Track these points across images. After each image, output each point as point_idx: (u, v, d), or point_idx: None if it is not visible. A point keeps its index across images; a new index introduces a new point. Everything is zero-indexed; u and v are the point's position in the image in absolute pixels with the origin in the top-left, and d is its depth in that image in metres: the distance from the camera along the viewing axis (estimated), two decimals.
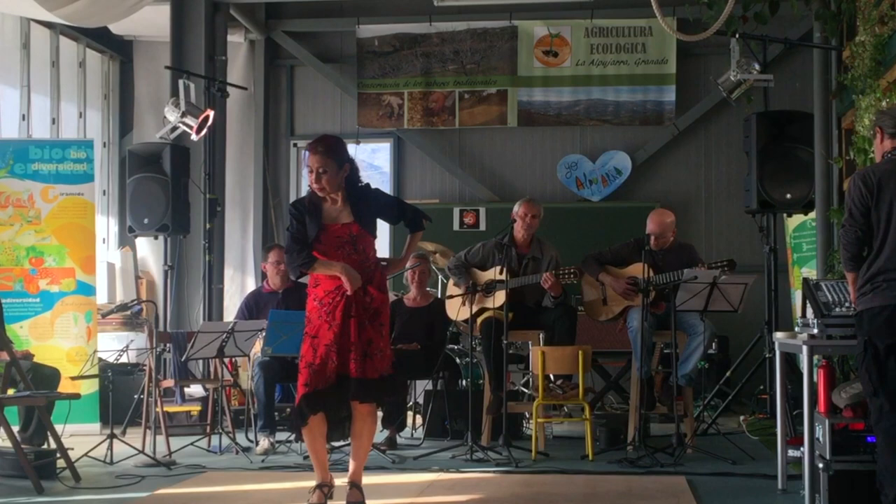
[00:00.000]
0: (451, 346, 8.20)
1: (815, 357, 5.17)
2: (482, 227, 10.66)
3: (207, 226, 9.01)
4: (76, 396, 6.66)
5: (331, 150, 4.92)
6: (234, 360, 8.02)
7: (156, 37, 10.50)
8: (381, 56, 11.07)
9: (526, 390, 8.43)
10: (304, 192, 8.00)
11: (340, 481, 5.10)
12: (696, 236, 10.34)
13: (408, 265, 7.90)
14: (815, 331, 4.88)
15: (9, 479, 5.99)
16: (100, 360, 8.13)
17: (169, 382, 7.76)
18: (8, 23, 9.13)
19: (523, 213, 7.24)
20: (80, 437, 7.36)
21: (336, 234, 4.93)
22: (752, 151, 7.73)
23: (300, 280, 5.33)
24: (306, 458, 6.11)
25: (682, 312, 6.69)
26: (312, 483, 5.03)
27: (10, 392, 6.35)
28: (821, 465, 4.75)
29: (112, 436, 6.63)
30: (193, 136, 8.67)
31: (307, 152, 4.96)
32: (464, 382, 7.90)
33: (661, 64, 10.72)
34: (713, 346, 8.55)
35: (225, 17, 10.16)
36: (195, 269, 9.32)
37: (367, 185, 5.10)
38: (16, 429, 6.24)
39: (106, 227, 10.70)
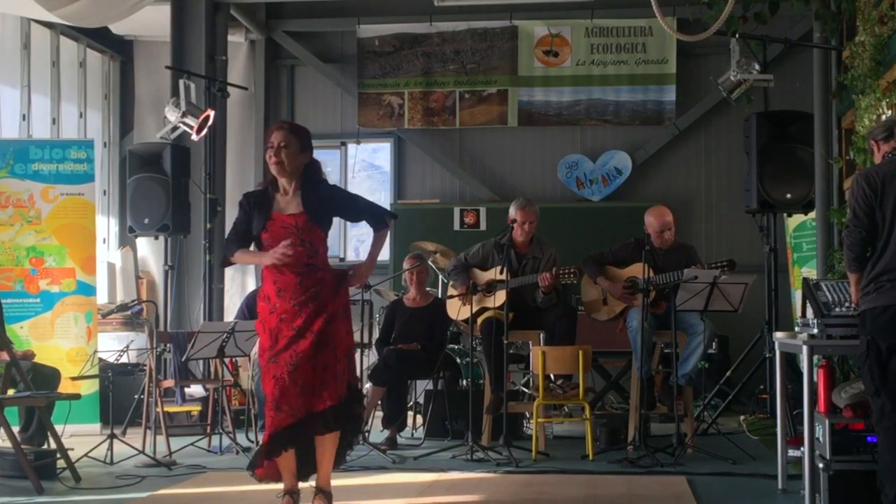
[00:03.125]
0: (451, 345, 8.21)
1: (815, 357, 5.17)
2: (482, 227, 10.64)
3: (207, 226, 9.00)
4: (76, 397, 6.67)
5: (295, 130, 4.84)
6: (234, 360, 8.02)
7: (156, 37, 10.49)
8: (382, 56, 11.07)
9: (526, 390, 8.43)
10: None
11: (340, 481, 5.09)
12: (696, 236, 10.34)
13: (405, 266, 7.91)
14: (815, 331, 4.87)
15: (9, 480, 5.99)
16: (100, 360, 8.13)
17: (169, 382, 7.76)
18: (8, 23, 9.12)
19: (521, 220, 7.16)
20: (80, 437, 7.37)
21: (282, 225, 4.75)
22: (752, 151, 7.73)
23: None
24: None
25: (682, 312, 6.69)
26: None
27: (10, 392, 6.36)
28: (821, 465, 4.75)
29: (112, 436, 6.63)
30: (194, 136, 8.67)
31: (271, 130, 4.84)
32: (464, 382, 7.91)
33: (661, 64, 10.72)
34: (713, 346, 8.56)
35: (225, 16, 10.16)
36: (195, 269, 9.33)
37: (325, 180, 4.95)
38: (16, 429, 6.24)
39: (106, 227, 10.70)
